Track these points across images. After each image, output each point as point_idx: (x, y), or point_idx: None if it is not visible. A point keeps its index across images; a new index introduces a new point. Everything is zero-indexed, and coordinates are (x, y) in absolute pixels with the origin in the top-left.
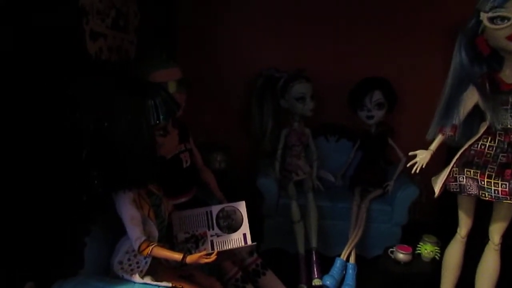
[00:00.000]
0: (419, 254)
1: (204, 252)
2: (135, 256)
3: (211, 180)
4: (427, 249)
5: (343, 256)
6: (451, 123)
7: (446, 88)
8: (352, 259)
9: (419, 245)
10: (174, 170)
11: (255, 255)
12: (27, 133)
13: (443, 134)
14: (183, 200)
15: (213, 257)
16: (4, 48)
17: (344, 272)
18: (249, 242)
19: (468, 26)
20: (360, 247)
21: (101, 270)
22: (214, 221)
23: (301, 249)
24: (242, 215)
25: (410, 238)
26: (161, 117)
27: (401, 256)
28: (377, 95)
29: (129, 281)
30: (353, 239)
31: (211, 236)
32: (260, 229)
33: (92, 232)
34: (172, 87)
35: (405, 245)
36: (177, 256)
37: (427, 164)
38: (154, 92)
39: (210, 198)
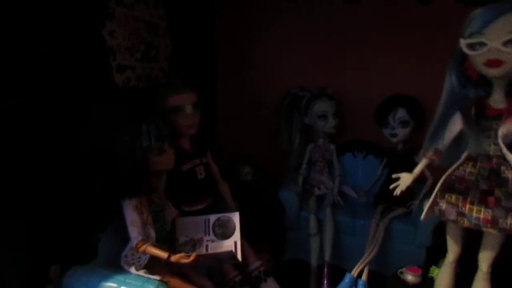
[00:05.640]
0: (432, 278)
1: (183, 254)
2: (137, 252)
3: (226, 191)
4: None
5: (354, 272)
6: (435, 147)
7: (437, 112)
8: (364, 276)
9: (432, 268)
10: (188, 181)
11: (259, 262)
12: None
13: (426, 158)
14: (199, 207)
15: (191, 258)
16: (38, 80)
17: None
18: (239, 249)
19: (458, 50)
20: (381, 265)
21: (112, 261)
22: (211, 228)
23: (314, 262)
24: (235, 225)
25: (437, 261)
26: (152, 140)
27: (410, 277)
28: (401, 113)
29: (127, 272)
30: (367, 256)
31: (207, 241)
32: (283, 239)
33: (107, 230)
34: (188, 110)
35: (415, 267)
36: (164, 254)
37: None
38: (149, 119)
39: (226, 207)
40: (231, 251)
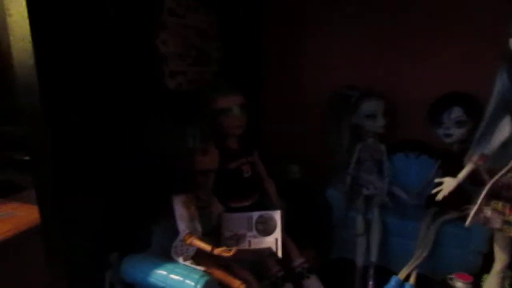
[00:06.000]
0: None
1: (224, 248)
2: (185, 244)
3: (271, 189)
4: None
5: (401, 275)
6: (481, 151)
7: (486, 114)
8: (412, 280)
9: (484, 276)
10: (235, 179)
11: (303, 259)
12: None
13: (472, 162)
14: (245, 204)
15: (231, 252)
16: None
17: None
18: (279, 246)
19: (508, 50)
20: (432, 269)
21: (164, 251)
22: (253, 225)
23: (360, 262)
24: (276, 222)
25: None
26: (196, 141)
27: (459, 284)
28: (457, 112)
29: (175, 262)
30: (416, 259)
31: (249, 236)
32: (330, 238)
33: (160, 223)
34: (236, 111)
35: (465, 274)
36: (208, 247)
37: None
38: (194, 121)
39: (272, 204)
40: (271, 248)
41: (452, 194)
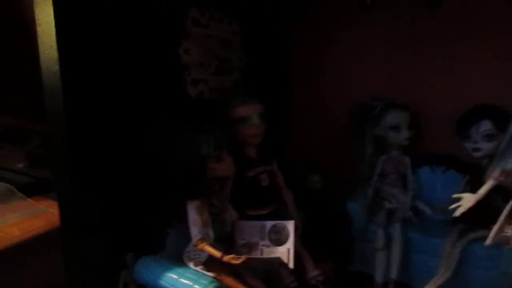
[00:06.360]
0: None
1: (234, 255)
2: (197, 249)
3: (289, 199)
4: None
5: None
6: (503, 167)
7: (509, 129)
8: None
9: None
10: (253, 187)
11: (317, 272)
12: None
13: (492, 178)
14: (262, 212)
15: (240, 260)
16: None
17: None
18: (291, 256)
19: None
20: None
21: (177, 255)
22: (266, 234)
23: (379, 278)
24: (289, 232)
25: None
26: (210, 149)
27: None
28: (486, 126)
29: (186, 266)
30: (438, 279)
31: (262, 245)
32: (350, 251)
33: (175, 226)
34: (255, 120)
35: None
36: (218, 253)
37: None
38: (208, 131)
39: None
40: (282, 258)
41: (481, 210)
